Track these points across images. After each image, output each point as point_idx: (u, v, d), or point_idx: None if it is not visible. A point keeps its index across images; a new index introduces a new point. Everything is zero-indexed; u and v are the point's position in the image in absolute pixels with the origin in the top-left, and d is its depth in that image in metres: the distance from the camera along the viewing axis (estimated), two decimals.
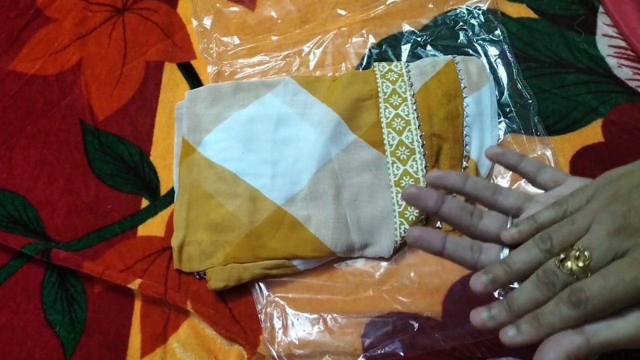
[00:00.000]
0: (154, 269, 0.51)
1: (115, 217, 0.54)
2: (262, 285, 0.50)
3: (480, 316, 0.31)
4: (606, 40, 0.59)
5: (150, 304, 0.50)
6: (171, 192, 0.55)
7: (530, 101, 0.56)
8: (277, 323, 0.49)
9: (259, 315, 0.49)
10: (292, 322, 0.49)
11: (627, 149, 0.53)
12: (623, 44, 0.59)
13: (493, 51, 0.59)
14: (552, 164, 0.53)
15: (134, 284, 0.49)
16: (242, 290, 0.50)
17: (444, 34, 0.61)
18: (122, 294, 0.51)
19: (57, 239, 0.54)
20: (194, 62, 0.62)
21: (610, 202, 0.30)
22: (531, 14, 0.62)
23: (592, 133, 0.54)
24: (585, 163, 0.53)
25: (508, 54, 0.58)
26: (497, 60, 0.58)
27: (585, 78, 0.57)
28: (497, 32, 0.60)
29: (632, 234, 0.28)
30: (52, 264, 0.51)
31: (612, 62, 0.58)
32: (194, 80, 0.61)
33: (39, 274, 0.52)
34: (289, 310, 0.49)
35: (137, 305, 0.50)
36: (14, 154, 0.59)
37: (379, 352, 0.46)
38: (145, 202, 0.55)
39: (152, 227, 0.54)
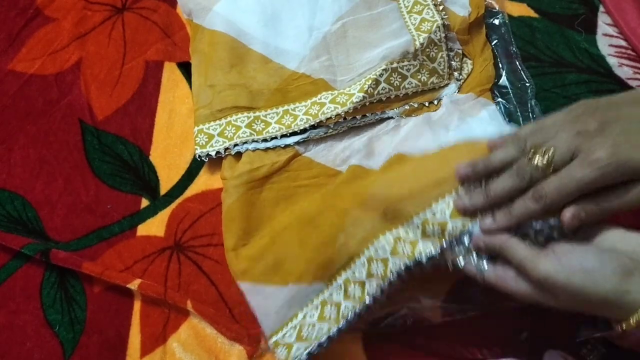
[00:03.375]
0: (153, 269, 0.51)
1: (114, 217, 0.54)
2: None
3: (462, 201, 0.40)
4: (607, 39, 0.59)
5: (150, 304, 0.50)
6: (171, 191, 0.55)
7: (528, 84, 0.56)
8: None
9: None
10: None
11: None
12: (623, 43, 0.59)
13: (493, 36, 0.59)
14: None
15: (134, 284, 0.49)
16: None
17: None
18: (121, 294, 0.50)
19: (57, 239, 0.54)
20: (191, 60, 0.62)
21: (575, 117, 0.37)
22: (532, 13, 0.61)
23: None
24: None
25: (506, 37, 0.59)
26: (496, 44, 0.58)
27: (585, 77, 0.57)
28: (499, 17, 0.60)
29: (588, 137, 0.35)
30: (52, 264, 0.51)
31: (612, 61, 0.58)
32: None
33: (38, 274, 0.52)
34: None
35: (137, 305, 0.50)
36: (13, 154, 0.59)
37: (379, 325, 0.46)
38: (144, 202, 0.55)
39: (151, 227, 0.53)
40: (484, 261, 0.39)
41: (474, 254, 0.40)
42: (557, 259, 0.34)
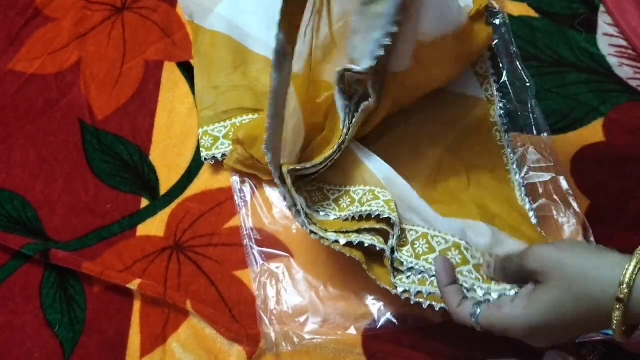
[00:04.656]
0: (153, 269, 0.51)
1: (114, 217, 0.54)
2: (256, 254, 0.50)
3: None
4: (607, 39, 0.59)
5: (150, 304, 0.50)
6: (170, 191, 0.55)
7: (528, 84, 0.56)
8: (271, 292, 0.49)
9: (253, 284, 0.49)
10: (286, 290, 0.49)
11: (628, 148, 0.53)
12: (624, 43, 0.59)
13: (494, 36, 0.59)
14: (549, 149, 0.53)
15: (134, 284, 0.49)
16: (242, 290, 0.50)
17: None
18: (121, 294, 0.50)
19: (56, 239, 0.54)
20: (193, 61, 0.62)
21: None
22: (532, 13, 0.61)
23: (593, 132, 0.54)
24: (586, 162, 0.53)
25: (506, 36, 0.58)
26: (497, 44, 0.58)
27: (586, 77, 0.57)
28: (499, 17, 0.60)
29: None
30: (51, 264, 0.51)
31: (613, 61, 0.58)
32: (193, 80, 0.61)
33: (38, 273, 0.52)
34: (282, 279, 0.49)
35: (137, 305, 0.50)
36: (13, 154, 0.59)
37: (376, 322, 0.47)
38: (144, 202, 0.55)
39: (151, 227, 0.53)
40: (477, 307, 0.38)
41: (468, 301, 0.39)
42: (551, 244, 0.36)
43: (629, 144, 0.53)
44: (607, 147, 0.53)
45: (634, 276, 0.30)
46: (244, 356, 0.47)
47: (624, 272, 0.30)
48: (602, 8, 0.61)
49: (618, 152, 0.53)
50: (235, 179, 0.54)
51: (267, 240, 0.52)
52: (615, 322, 0.31)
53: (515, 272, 0.37)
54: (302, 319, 0.48)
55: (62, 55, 0.64)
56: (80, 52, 0.64)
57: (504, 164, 0.53)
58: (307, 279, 0.49)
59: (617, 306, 0.30)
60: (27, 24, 0.67)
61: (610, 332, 0.34)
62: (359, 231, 0.45)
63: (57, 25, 0.66)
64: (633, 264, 0.30)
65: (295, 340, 0.47)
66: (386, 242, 0.45)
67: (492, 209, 0.48)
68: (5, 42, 0.66)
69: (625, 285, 0.30)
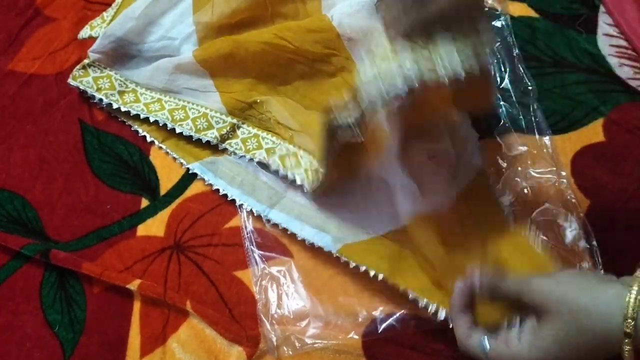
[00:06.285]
0: (153, 269, 0.51)
1: (114, 217, 0.54)
2: (257, 257, 0.50)
3: None
4: (607, 39, 0.59)
5: (150, 304, 0.50)
6: (171, 191, 0.55)
7: (530, 87, 0.56)
8: (272, 296, 0.49)
9: (254, 287, 0.49)
10: (287, 294, 0.49)
11: (628, 148, 0.53)
12: (624, 43, 0.59)
13: (495, 38, 0.59)
14: (550, 151, 0.53)
15: (133, 285, 0.49)
16: (242, 290, 0.50)
17: None
18: (121, 295, 0.50)
19: (56, 239, 0.54)
20: None
21: None
22: (532, 13, 0.61)
23: (593, 132, 0.54)
24: (586, 162, 0.53)
25: (509, 39, 0.58)
26: (499, 46, 0.58)
27: (586, 77, 0.57)
28: (502, 19, 0.60)
29: None
30: (51, 264, 0.51)
31: (613, 61, 0.58)
32: None
33: (38, 274, 0.52)
34: (283, 283, 0.49)
35: (137, 305, 0.50)
36: (13, 154, 0.59)
37: (377, 326, 0.47)
38: (145, 202, 0.55)
39: (151, 227, 0.53)
40: (485, 338, 0.39)
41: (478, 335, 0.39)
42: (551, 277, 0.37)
43: (629, 144, 0.53)
44: (607, 147, 0.53)
45: (637, 308, 0.31)
46: (244, 357, 0.47)
47: (625, 305, 0.31)
48: (602, 8, 0.61)
49: (618, 152, 0.53)
50: None
51: (268, 242, 0.52)
52: (627, 356, 0.31)
53: (507, 297, 0.38)
54: (303, 323, 0.48)
55: (62, 55, 0.64)
56: (80, 52, 0.64)
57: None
58: (308, 282, 0.49)
59: (626, 341, 0.31)
60: (27, 24, 0.67)
61: None
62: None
63: (57, 25, 0.66)
64: (633, 295, 0.31)
65: (297, 344, 0.47)
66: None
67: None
68: (5, 42, 0.66)
69: (630, 319, 0.30)
